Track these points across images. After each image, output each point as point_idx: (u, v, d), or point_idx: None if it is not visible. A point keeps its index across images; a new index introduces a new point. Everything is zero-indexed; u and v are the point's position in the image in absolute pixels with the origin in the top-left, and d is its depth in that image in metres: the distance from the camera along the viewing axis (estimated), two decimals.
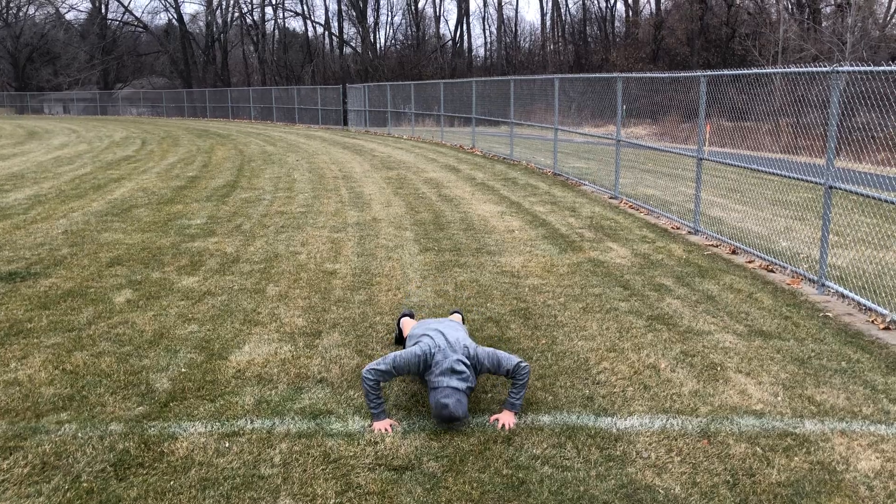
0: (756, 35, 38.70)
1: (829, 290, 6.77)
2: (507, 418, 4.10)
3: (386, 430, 4.00)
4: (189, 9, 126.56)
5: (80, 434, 3.99)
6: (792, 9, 39.90)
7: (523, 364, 4.17)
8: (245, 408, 4.33)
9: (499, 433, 4.01)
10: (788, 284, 7.08)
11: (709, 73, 9.43)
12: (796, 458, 3.80)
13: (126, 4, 76.50)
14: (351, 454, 3.81)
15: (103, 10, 69.04)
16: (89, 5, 70.35)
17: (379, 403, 4.08)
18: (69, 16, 72.45)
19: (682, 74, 10.81)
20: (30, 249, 8.39)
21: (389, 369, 4.13)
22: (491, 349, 4.29)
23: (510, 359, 4.19)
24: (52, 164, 18.24)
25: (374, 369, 4.11)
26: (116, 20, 70.21)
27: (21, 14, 69.95)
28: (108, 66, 68.63)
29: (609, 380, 4.76)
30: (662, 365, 5.01)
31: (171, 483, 3.52)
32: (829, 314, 6.19)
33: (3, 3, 68.85)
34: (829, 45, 31.68)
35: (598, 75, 15.09)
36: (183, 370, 4.88)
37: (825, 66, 6.77)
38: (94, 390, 4.56)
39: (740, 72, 8.99)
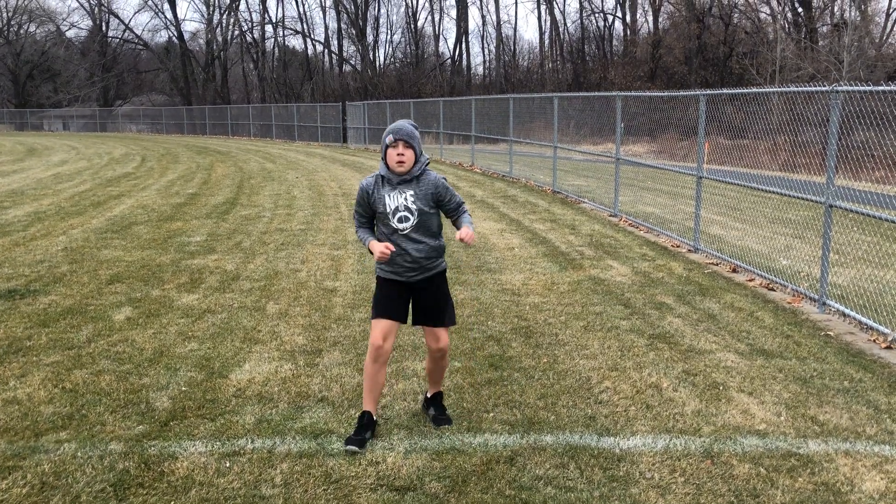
0: (753, 54, 38.91)
1: (830, 309, 6.77)
2: (470, 233, 4.08)
3: (383, 252, 3.98)
4: (189, 27, 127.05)
5: (79, 453, 3.96)
6: (789, 28, 40.16)
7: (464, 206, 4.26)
8: (246, 427, 4.30)
9: (501, 453, 3.98)
10: (789, 303, 7.08)
11: (708, 91, 9.47)
12: (800, 479, 3.78)
13: (126, 22, 76.93)
14: (352, 474, 3.78)
15: (104, 28, 69.43)
16: (90, 23, 70.78)
17: (366, 237, 4.16)
18: (70, 33, 72.83)
19: (681, 93, 10.86)
20: (29, 266, 8.37)
21: (356, 208, 4.20)
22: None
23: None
24: (51, 180, 18.25)
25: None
26: (117, 38, 70.57)
27: (22, 31, 70.30)
28: (108, 83, 68.90)
29: (611, 399, 4.74)
30: (664, 384, 4.99)
31: (172, 503, 3.49)
32: (831, 333, 6.18)
33: (4, 21, 69.22)
34: (826, 63, 31.85)
35: (597, 94, 15.18)
36: (183, 389, 4.85)
37: (825, 86, 6.80)
38: (93, 409, 4.53)
39: (740, 91, 9.03)
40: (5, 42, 69.30)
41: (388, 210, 4.07)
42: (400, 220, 4.07)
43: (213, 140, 41.16)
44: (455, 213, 4.22)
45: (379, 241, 4.14)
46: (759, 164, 11.05)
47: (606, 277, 7.95)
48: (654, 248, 9.67)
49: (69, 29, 73.42)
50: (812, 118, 8.11)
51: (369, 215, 4.19)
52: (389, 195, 4.07)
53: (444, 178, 4.21)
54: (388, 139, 4.05)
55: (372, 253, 4.08)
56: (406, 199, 4.06)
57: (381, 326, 4.11)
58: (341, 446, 4.05)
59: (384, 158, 4.10)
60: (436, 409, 4.41)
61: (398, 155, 4.03)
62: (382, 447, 4.07)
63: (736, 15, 43.97)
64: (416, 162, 4.08)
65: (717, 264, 8.71)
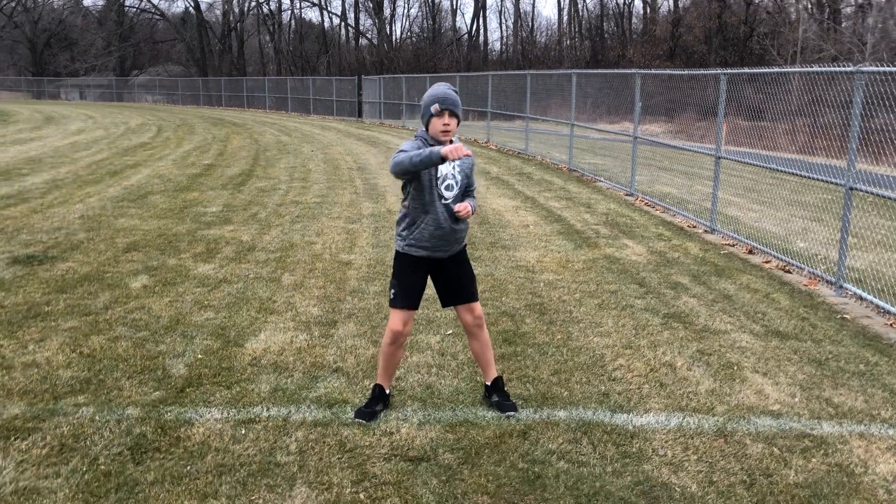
0: (775, 34, 38.43)
1: (847, 292, 6.72)
2: (466, 206, 3.93)
3: (457, 148, 3.68)
4: None
5: (97, 417, 4.01)
6: (812, 8, 39.58)
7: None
8: (261, 395, 4.34)
9: (514, 427, 4.00)
10: (805, 285, 7.04)
11: (730, 71, 9.36)
12: (814, 460, 3.78)
13: None
14: (366, 444, 3.81)
15: None
16: None
17: (424, 149, 3.79)
18: (87, 2, 72.94)
19: (701, 72, 10.74)
20: (47, 233, 8.43)
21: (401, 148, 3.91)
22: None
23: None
24: (68, 149, 18.33)
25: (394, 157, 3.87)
26: (134, 7, 70.58)
27: (39, 0, 70.28)
28: (125, 52, 68.95)
29: (625, 377, 4.74)
30: (679, 363, 4.99)
31: (188, 468, 3.53)
32: (847, 316, 6.15)
33: None
34: (849, 45, 31.40)
35: (616, 71, 15.03)
36: (199, 356, 4.89)
37: (849, 66, 6.70)
38: (110, 374, 4.58)
39: (763, 70, 8.92)
40: (23, 10, 69.35)
41: (439, 175, 3.93)
42: (447, 188, 3.98)
43: (229, 112, 41.16)
44: (466, 190, 4.13)
45: (411, 212, 3.99)
46: (777, 146, 10.93)
47: (622, 256, 7.93)
48: (671, 228, 9.62)
49: None
50: (833, 100, 8.00)
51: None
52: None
53: None
54: (434, 108, 3.88)
55: (444, 159, 3.69)
56: (454, 167, 3.98)
57: (401, 316, 4.05)
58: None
59: (426, 125, 3.96)
60: (499, 396, 4.24)
61: (444, 125, 3.90)
62: (396, 418, 4.10)
63: None
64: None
65: (733, 245, 8.66)
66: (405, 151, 3.83)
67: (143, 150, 18.23)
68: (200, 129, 26.10)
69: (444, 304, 4.26)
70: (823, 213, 10.16)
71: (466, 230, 4.17)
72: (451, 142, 3.93)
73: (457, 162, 3.98)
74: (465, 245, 4.23)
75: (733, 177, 12.36)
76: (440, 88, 3.97)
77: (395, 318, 4.06)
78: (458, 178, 4.01)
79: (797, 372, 4.90)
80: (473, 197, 4.15)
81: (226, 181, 13.02)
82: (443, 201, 3.97)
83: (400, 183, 4.11)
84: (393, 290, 4.10)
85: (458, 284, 4.17)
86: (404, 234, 4.07)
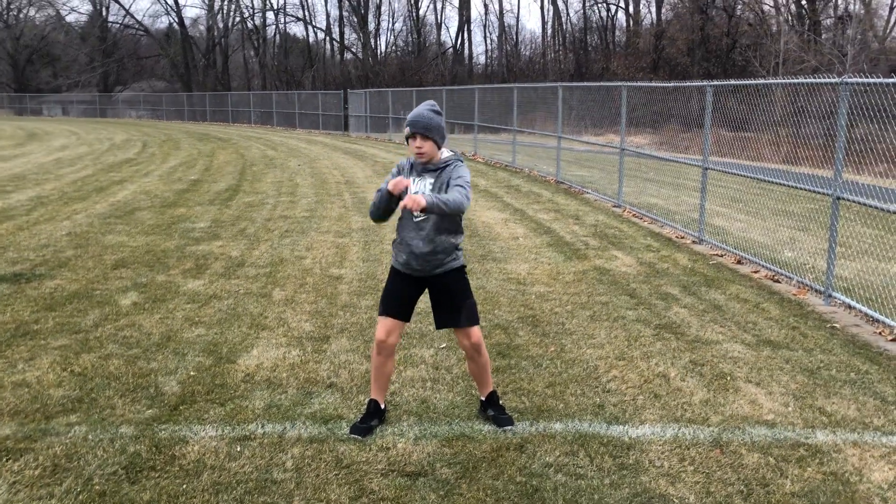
0: (756, 46, 38.83)
1: (836, 301, 6.78)
2: (415, 197, 3.73)
3: (399, 182, 3.82)
4: (190, 13, 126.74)
5: (90, 436, 3.97)
6: (792, 20, 40.04)
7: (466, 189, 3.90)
8: (255, 412, 4.31)
9: (511, 440, 4.00)
10: (794, 295, 7.09)
11: (716, 83, 9.44)
12: (809, 469, 3.80)
13: (127, 7, 76.59)
14: (363, 460, 3.79)
15: (104, 13, 69.15)
16: (90, 8, 70.50)
17: (382, 187, 3.97)
18: (70, 18, 72.80)
19: (688, 84, 10.84)
20: (34, 251, 8.37)
21: (387, 178, 4.02)
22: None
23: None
24: (53, 165, 18.21)
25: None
26: (117, 23, 70.32)
27: (22, 16, 70.02)
28: (109, 68, 68.67)
29: (619, 388, 4.75)
30: (672, 374, 5.01)
31: (184, 487, 3.50)
32: (837, 325, 6.20)
33: (4, 5, 68.92)
34: (830, 56, 31.78)
35: (601, 83, 15.13)
36: (192, 373, 4.86)
37: (833, 78, 6.78)
38: (102, 392, 4.54)
39: (749, 82, 9.01)
40: (5, 26, 69.03)
41: (409, 194, 3.94)
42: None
43: (214, 127, 41.06)
44: (448, 187, 3.96)
45: (399, 225, 4.10)
46: (762, 156, 11.03)
47: (611, 268, 7.96)
48: (659, 239, 9.67)
49: (69, 13, 73.66)
50: (815, 111, 8.09)
51: None
52: (414, 181, 3.99)
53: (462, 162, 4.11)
54: (406, 131, 3.98)
55: (391, 195, 3.90)
56: (426, 187, 3.98)
57: (384, 324, 4.08)
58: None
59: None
60: (494, 410, 4.24)
61: (416, 147, 3.96)
62: (392, 433, 4.08)
63: (739, 7, 43.84)
64: (439, 149, 4.00)
65: (721, 255, 8.72)
66: (378, 191, 4.02)
67: (129, 166, 18.15)
68: (186, 144, 26.01)
69: (437, 327, 4.27)
70: (809, 223, 10.25)
71: (447, 253, 4.03)
72: (421, 166, 4.01)
73: (430, 181, 3.98)
74: (459, 267, 4.13)
75: (719, 187, 12.45)
76: (417, 109, 3.99)
77: (379, 327, 4.11)
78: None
79: (790, 381, 4.93)
80: (457, 189, 3.85)
81: (213, 196, 12.97)
82: (415, 219, 4.00)
83: None
84: (381, 297, 4.20)
85: (446, 309, 4.13)
86: (392, 246, 4.21)
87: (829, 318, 6.38)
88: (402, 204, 3.82)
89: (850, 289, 7.12)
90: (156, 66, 71.73)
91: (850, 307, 6.59)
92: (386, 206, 4.03)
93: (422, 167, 4.01)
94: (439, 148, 4.01)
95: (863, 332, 6.02)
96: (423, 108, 4.00)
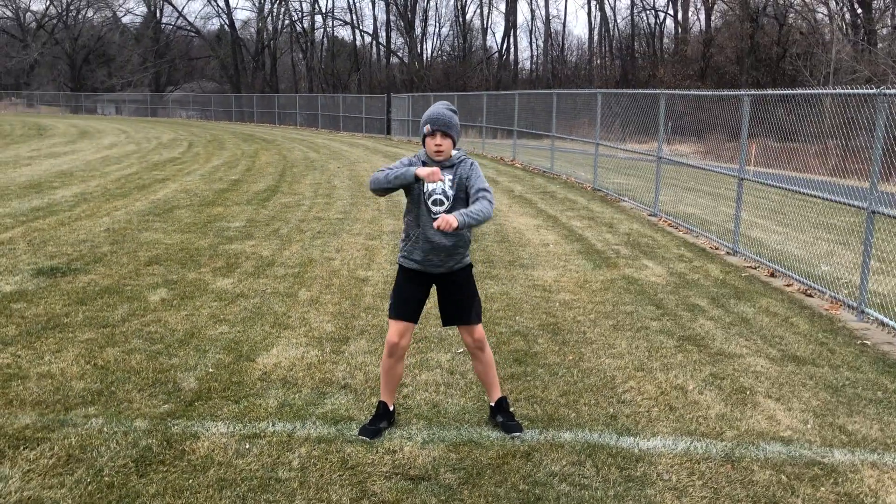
0: (808, 55, 38.06)
1: (869, 318, 6.60)
2: (447, 218, 3.74)
3: (433, 172, 3.82)
4: (241, 15, 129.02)
5: (105, 429, 4.06)
6: (846, 29, 39.16)
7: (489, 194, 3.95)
8: (268, 410, 4.36)
9: (518, 448, 3.98)
10: (826, 310, 6.93)
11: (753, 92, 9.29)
12: (822, 489, 3.70)
13: (180, 9, 78.25)
14: (368, 462, 3.81)
15: (158, 15, 70.76)
16: (145, 9, 72.17)
17: (403, 168, 3.95)
18: (125, 19, 74.44)
19: (724, 93, 10.68)
20: (72, 246, 8.58)
21: (390, 165, 4.06)
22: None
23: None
24: (100, 163, 18.67)
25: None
26: (170, 24, 71.96)
27: (80, 17, 71.99)
28: (161, 69, 70.23)
29: (634, 399, 4.70)
30: (690, 386, 4.93)
31: (190, 482, 3.56)
32: (868, 342, 6.04)
33: (63, 6, 70.92)
34: (884, 66, 30.99)
35: (640, 91, 14.98)
36: (210, 370, 4.94)
37: (871, 89, 6.62)
38: (122, 386, 4.63)
39: (785, 91, 8.85)
40: (64, 27, 71.04)
41: (426, 191, 4.00)
42: (435, 203, 4.01)
43: (260, 128, 41.67)
44: (473, 196, 3.98)
45: (406, 225, 4.12)
46: (809, 168, 10.80)
47: (640, 277, 7.87)
48: (692, 250, 9.54)
49: (125, 15, 75.34)
50: (864, 122, 7.90)
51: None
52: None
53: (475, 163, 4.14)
54: (426, 128, 4.00)
55: (418, 179, 3.88)
56: (445, 182, 4.00)
57: (397, 327, 4.09)
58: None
59: (423, 144, 4.07)
60: (503, 416, 4.22)
61: (436, 145, 3.99)
62: (401, 436, 4.09)
63: (791, 15, 43.03)
64: (454, 146, 4.04)
65: (755, 268, 8.56)
66: (390, 168, 4.00)
67: (173, 165, 18.51)
68: (230, 144, 26.44)
69: (444, 324, 4.28)
70: (850, 237, 10.01)
71: (466, 248, 4.13)
72: (440, 192, 4.01)
73: (448, 177, 4.00)
74: (469, 265, 4.21)
75: (760, 198, 12.24)
76: (436, 108, 4.04)
77: (391, 329, 4.11)
78: (451, 192, 4.01)
79: (811, 398, 4.82)
80: (482, 199, 3.90)
81: (251, 196, 13.17)
82: (432, 216, 4.00)
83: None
84: (390, 302, 4.18)
85: (456, 306, 4.16)
86: (401, 245, 4.20)
87: (861, 335, 6.22)
88: (435, 224, 3.79)
89: (885, 305, 6.93)
90: (206, 67, 73.12)
91: (883, 324, 6.42)
92: (406, 186, 4.00)
93: (436, 164, 4.03)
94: (454, 146, 4.06)
95: (894, 350, 5.86)
96: (442, 107, 4.05)
